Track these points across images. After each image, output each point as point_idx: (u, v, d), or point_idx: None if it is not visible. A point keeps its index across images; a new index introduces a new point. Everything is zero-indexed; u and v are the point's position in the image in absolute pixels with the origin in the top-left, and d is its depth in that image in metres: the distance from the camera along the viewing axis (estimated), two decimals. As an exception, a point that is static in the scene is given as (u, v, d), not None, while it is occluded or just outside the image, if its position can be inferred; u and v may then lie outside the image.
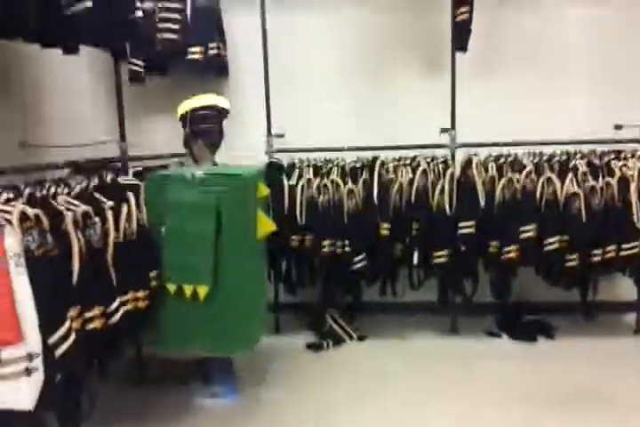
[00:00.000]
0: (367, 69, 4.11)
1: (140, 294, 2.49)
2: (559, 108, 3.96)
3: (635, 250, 3.53)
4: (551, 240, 3.52)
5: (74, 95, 3.75)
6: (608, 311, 4.04)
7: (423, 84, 4.03)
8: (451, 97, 3.68)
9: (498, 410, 2.85)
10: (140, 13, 2.70)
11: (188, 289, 2.56)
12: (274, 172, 3.73)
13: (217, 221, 2.55)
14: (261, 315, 3.07)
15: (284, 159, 3.86)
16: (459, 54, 3.66)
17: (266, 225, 2.91)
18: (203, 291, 2.55)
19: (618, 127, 3.89)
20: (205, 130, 2.98)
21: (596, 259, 3.54)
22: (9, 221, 1.83)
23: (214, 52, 3.82)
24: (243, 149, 3.98)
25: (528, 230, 3.53)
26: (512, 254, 3.56)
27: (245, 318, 2.75)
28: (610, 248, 3.52)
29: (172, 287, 2.59)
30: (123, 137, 3.10)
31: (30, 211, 1.91)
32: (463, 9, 3.47)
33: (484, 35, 3.77)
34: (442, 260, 3.62)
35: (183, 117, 3.01)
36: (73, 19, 2.20)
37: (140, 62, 3.42)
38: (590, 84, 3.98)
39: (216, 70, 4.03)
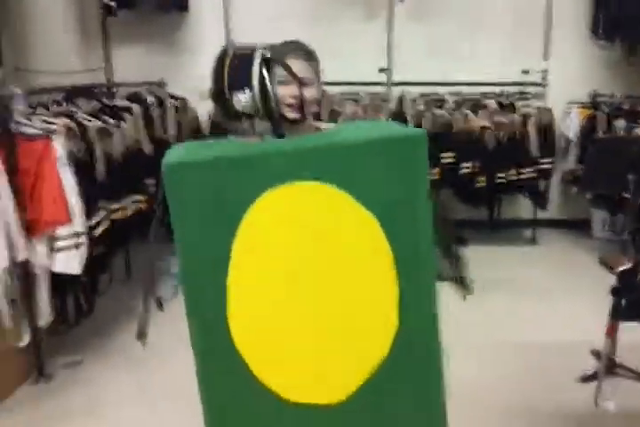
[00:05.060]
0: (316, 14, 4.60)
1: (140, 197, 3.04)
2: (477, 54, 4.65)
3: (531, 174, 4.39)
4: (465, 165, 4.30)
5: (52, 25, 4.05)
6: (511, 226, 4.94)
7: (364, 28, 4.59)
8: (387, 40, 4.30)
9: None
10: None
11: None
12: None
13: None
14: None
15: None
16: (396, 1, 4.25)
17: None
18: None
19: (525, 72, 4.64)
20: None
21: (501, 181, 4.37)
22: (56, 131, 2.33)
23: (180, -10, 4.21)
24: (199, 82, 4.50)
25: (447, 157, 4.29)
26: (435, 177, 4.32)
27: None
28: (511, 172, 4.35)
29: None
30: (109, 64, 3.53)
31: (71, 124, 2.41)
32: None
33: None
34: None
35: None
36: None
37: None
38: (504, 34, 4.68)
39: (178, 6, 4.42)
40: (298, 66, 1.46)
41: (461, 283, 1.61)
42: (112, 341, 2.91)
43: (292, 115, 1.47)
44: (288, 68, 1.34)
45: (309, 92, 1.50)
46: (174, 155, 1.27)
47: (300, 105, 1.46)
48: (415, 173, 1.26)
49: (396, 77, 4.36)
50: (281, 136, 1.31)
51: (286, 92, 1.45)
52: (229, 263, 1.24)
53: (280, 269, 1.27)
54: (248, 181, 1.22)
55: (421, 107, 4.30)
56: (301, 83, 1.43)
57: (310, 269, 1.27)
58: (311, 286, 1.28)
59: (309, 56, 1.55)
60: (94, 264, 2.53)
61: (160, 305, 1.51)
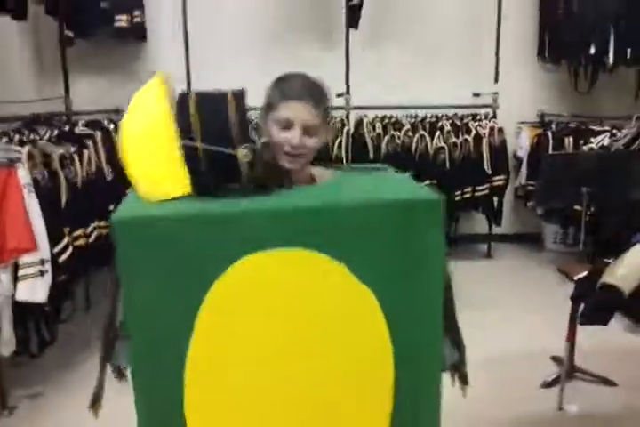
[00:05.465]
0: (274, 42, 4.71)
1: (103, 223, 3.04)
2: (431, 78, 4.81)
3: (485, 191, 4.55)
4: (424, 184, 4.42)
5: (8, 56, 4.05)
6: (467, 242, 5.08)
7: (322, 56, 4.71)
8: (345, 67, 4.44)
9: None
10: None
11: None
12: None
13: None
14: None
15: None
16: (351, 31, 4.40)
17: None
18: None
19: (476, 95, 4.84)
20: None
21: (458, 198, 4.51)
22: (19, 159, 2.34)
23: (138, 20, 4.27)
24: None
25: (406, 177, 4.41)
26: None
27: None
28: (467, 190, 4.50)
29: None
30: (67, 93, 3.54)
31: (34, 151, 2.42)
32: (356, -7, 4.20)
33: (373, 15, 4.53)
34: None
35: None
36: None
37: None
38: (456, 59, 4.88)
39: (136, 36, 4.47)
40: (301, 110, 1.29)
41: (460, 373, 1.45)
42: (74, 371, 2.84)
43: (288, 165, 1.28)
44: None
45: (311, 142, 1.29)
46: (129, 206, 1.01)
47: (298, 154, 1.28)
48: (424, 245, 1.05)
49: (354, 102, 4.49)
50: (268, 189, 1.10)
51: (284, 137, 1.27)
52: (190, 346, 0.99)
53: (255, 354, 1.01)
54: (220, 244, 0.95)
55: (379, 130, 4.43)
56: (303, 130, 1.27)
57: (290, 355, 1.01)
58: (291, 373, 1.00)
59: (316, 98, 1.32)
60: (58, 292, 2.51)
61: (119, 374, 1.31)
